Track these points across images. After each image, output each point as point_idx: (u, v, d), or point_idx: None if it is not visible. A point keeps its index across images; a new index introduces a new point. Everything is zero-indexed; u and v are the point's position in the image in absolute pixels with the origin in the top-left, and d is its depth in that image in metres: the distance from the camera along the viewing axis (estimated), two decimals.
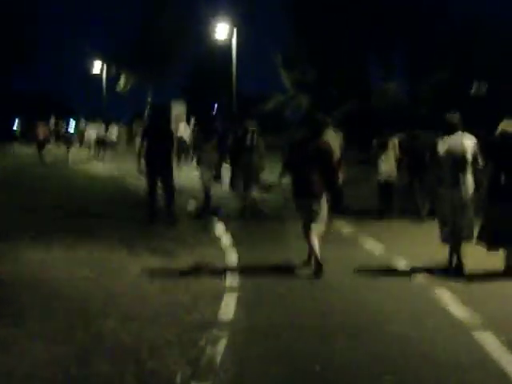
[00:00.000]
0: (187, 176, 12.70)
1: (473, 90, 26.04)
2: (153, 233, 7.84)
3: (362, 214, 9.55)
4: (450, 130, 5.74)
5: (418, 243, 7.20)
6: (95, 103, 38.30)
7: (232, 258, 6.61)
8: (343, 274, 5.82)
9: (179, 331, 4.12)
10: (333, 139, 9.87)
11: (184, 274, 5.78)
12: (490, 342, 3.96)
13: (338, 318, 4.54)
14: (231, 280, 5.60)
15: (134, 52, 35.15)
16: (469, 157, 5.62)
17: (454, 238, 5.72)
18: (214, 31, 24.66)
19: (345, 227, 8.43)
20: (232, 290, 5.25)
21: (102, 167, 19.42)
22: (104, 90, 36.96)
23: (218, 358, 3.66)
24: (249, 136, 9.26)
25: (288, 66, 24.43)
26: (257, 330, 4.24)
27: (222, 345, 3.89)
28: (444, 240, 5.88)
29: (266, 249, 7.05)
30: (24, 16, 36.82)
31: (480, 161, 5.68)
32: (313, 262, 5.75)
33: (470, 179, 5.66)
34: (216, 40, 25.13)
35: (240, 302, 4.85)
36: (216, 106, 40.71)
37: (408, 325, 4.33)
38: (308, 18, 24.89)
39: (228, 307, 4.73)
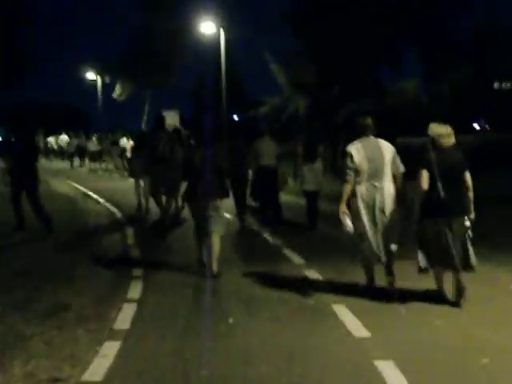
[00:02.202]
0: None
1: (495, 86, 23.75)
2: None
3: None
4: (363, 132, 5.25)
5: None
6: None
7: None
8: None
9: None
10: (268, 147, 9.41)
11: None
12: None
13: None
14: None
15: (129, 59, 32.91)
16: (387, 162, 5.14)
17: (383, 258, 5.14)
18: (202, 32, 22.46)
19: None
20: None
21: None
22: (99, 100, 35.10)
23: None
24: (161, 147, 9.37)
25: (283, 63, 21.66)
26: None
27: None
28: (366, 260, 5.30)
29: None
30: (23, 27, 34.85)
31: (400, 167, 5.21)
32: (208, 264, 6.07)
33: (389, 187, 5.14)
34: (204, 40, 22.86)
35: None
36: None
37: None
38: (308, 11, 22.18)
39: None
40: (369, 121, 5.27)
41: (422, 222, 4.93)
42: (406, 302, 5.00)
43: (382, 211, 5.06)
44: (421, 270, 5.01)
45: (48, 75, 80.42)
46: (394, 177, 5.17)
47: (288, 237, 8.21)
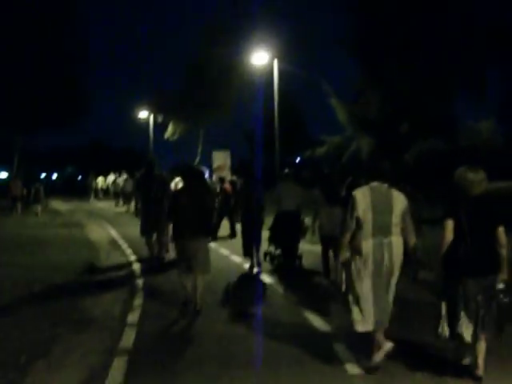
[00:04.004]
0: None
1: None
2: None
3: None
4: (375, 177, 4.67)
5: None
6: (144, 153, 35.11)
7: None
8: None
9: None
10: (291, 191, 9.01)
11: None
12: None
13: None
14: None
15: (181, 99, 31.86)
16: (396, 216, 4.56)
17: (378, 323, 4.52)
18: (255, 65, 20.74)
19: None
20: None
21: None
22: (151, 140, 34.16)
23: None
24: (155, 188, 9.56)
25: (345, 98, 19.51)
26: None
27: None
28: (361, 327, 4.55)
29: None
30: (75, 66, 34.62)
31: (408, 222, 4.62)
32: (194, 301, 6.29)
33: (398, 242, 4.58)
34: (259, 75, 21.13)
35: None
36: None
37: None
38: (373, 31, 19.84)
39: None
40: (385, 165, 4.89)
41: (447, 281, 4.36)
42: None
43: (391, 272, 4.56)
44: (448, 338, 4.38)
45: (98, 115, 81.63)
46: (403, 230, 4.62)
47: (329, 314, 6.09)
